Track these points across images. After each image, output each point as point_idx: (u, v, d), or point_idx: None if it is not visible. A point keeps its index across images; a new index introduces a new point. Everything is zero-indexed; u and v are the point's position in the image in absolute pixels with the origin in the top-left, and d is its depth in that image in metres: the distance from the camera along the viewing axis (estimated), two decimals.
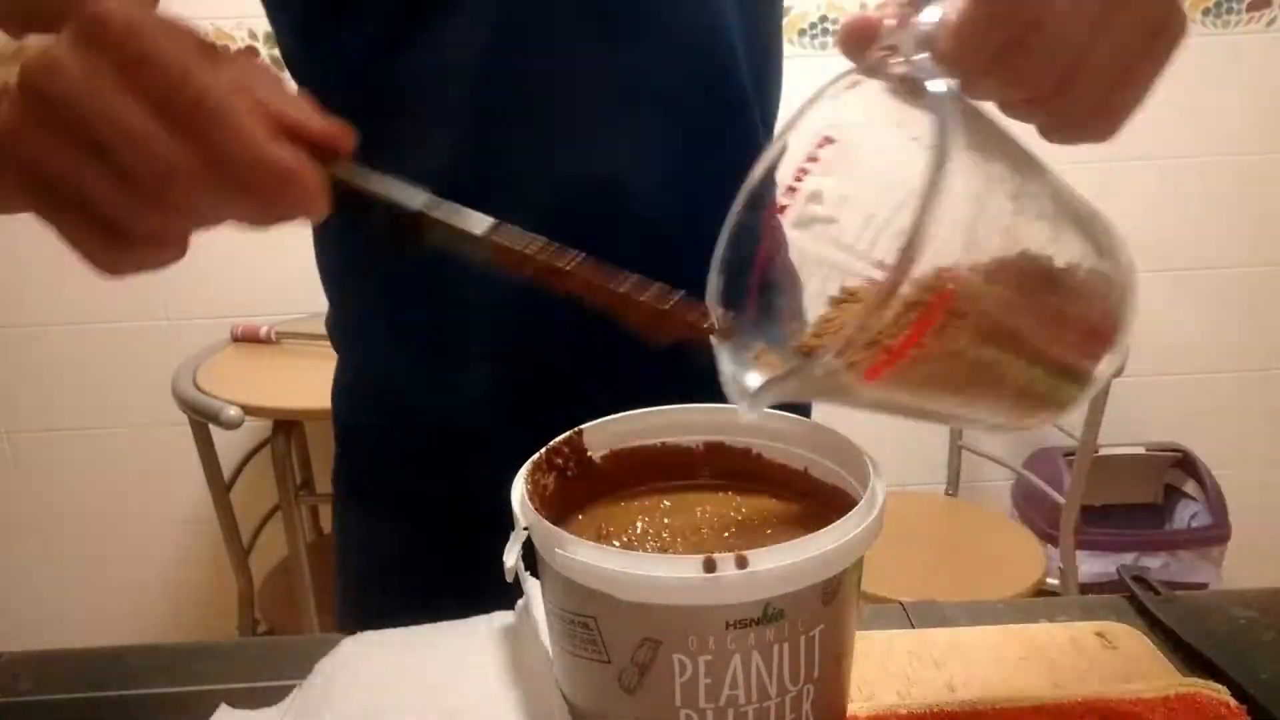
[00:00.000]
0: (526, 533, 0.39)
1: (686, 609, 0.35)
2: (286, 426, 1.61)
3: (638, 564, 0.35)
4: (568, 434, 0.47)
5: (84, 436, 2.09)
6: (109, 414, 2.08)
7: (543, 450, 0.45)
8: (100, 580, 2.19)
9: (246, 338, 1.87)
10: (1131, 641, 0.54)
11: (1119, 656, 0.53)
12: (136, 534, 2.16)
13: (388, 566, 0.75)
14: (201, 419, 1.55)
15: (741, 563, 0.35)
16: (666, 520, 0.46)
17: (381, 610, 0.59)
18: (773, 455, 0.47)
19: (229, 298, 2.00)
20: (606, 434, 0.48)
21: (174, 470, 2.08)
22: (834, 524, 0.37)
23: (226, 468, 1.70)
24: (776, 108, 0.70)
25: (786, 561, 0.35)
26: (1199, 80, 1.94)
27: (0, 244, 1.90)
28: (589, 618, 0.37)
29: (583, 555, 0.36)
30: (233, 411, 1.46)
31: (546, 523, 0.38)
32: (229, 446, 1.74)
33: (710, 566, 0.34)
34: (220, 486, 1.67)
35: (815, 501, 0.46)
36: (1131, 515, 2.04)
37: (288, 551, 1.67)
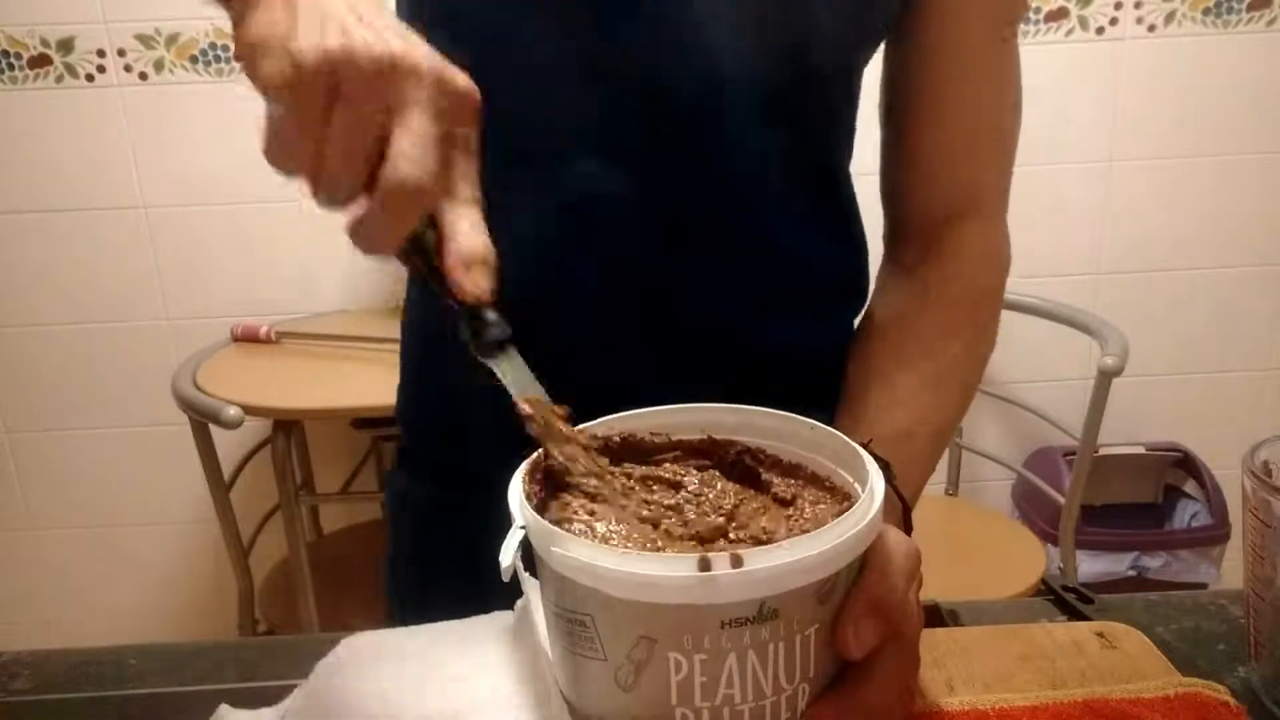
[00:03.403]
0: (523, 531, 0.39)
1: (681, 608, 0.35)
2: (286, 426, 1.61)
3: (633, 563, 0.35)
4: None
5: (84, 436, 2.09)
6: (109, 414, 2.08)
7: (542, 449, 0.45)
8: (100, 580, 2.19)
9: (246, 338, 1.87)
10: (1131, 641, 0.54)
11: (1119, 656, 0.53)
12: (136, 534, 2.16)
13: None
14: (201, 419, 1.55)
15: (736, 562, 0.34)
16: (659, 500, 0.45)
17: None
18: (773, 454, 0.47)
19: (229, 298, 2.00)
20: (606, 432, 0.48)
21: (174, 470, 2.08)
22: (829, 523, 0.37)
23: (226, 468, 1.70)
24: None
25: (781, 561, 0.35)
26: (1199, 80, 1.94)
27: (0, 244, 1.90)
28: (585, 615, 0.37)
29: (578, 553, 0.36)
30: (233, 411, 1.46)
31: (543, 521, 0.38)
32: (229, 446, 1.74)
33: (705, 566, 0.34)
34: (220, 486, 1.67)
35: (813, 499, 0.46)
36: (1131, 515, 2.04)
37: (288, 551, 1.67)
